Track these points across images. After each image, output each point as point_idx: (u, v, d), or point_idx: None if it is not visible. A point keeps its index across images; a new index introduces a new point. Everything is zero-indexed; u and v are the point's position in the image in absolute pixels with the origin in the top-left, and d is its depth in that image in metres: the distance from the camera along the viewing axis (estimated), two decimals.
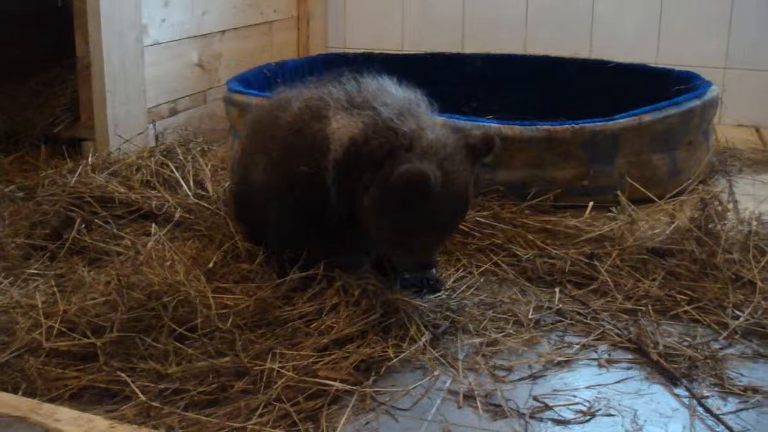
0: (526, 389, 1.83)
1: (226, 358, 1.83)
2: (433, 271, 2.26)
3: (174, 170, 2.86)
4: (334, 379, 1.78)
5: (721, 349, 1.98)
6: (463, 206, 2.07)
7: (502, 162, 2.75)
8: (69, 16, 3.16)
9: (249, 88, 3.24)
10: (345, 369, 1.83)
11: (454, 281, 2.29)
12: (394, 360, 1.90)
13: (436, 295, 2.21)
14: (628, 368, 1.93)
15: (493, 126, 2.75)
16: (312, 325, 1.98)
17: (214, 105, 3.80)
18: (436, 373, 1.87)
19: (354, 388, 1.78)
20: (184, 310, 1.97)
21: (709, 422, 1.72)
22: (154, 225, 2.49)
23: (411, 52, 4.18)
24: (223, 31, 3.90)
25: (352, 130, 2.06)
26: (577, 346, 2.00)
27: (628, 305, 2.17)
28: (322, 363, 1.84)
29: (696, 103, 3.01)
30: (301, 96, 2.26)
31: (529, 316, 2.12)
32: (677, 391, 1.83)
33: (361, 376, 1.83)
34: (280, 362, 1.82)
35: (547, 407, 1.76)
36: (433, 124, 2.09)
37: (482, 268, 2.36)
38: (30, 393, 1.77)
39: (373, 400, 1.77)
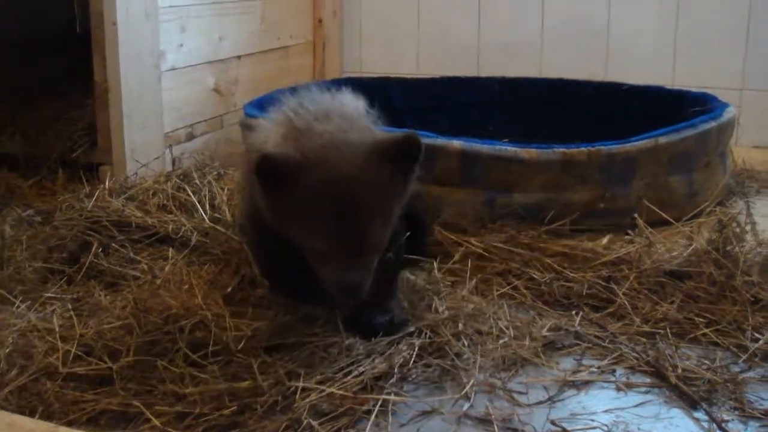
0: (543, 413, 1.82)
1: (246, 382, 1.82)
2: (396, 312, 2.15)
3: (190, 194, 2.87)
4: (353, 400, 1.78)
5: (740, 372, 1.96)
6: (354, 195, 1.85)
7: (518, 185, 2.75)
8: (87, 41, 3.19)
9: (265, 112, 3.23)
10: (365, 390, 1.83)
11: (472, 304, 2.28)
12: (411, 380, 1.90)
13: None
14: (647, 392, 1.91)
15: (507, 148, 2.75)
16: (329, 349, 1.98)
17: (230, 129, 3.82)
18: (454, 396, 1.86)
19: (372, 409, 1.77)
20: (201, 334, 1.97)
21: None
22: (171, 249, 2.50)
23: (427, 76, 4.18)
24: (240, 57, 3.92)
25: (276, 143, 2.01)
26: (595, 370, 1.99)
27: (646, 328, 2.16)
28: (341, 384, 1.83)
29: (712, 124, 3.00)
30: None
31: (547, 340, 2.11)
32: (697, 414, 1.81)
33: (378, 395, 1.82)
34: (300, 384, 1.82)
35: (565, 431, 1.75)
36: (344, 125, 1.97)
37: (500, 292, 2.35)
38: (47, 416, 1.77)
39: (389, 423, 1.76)
